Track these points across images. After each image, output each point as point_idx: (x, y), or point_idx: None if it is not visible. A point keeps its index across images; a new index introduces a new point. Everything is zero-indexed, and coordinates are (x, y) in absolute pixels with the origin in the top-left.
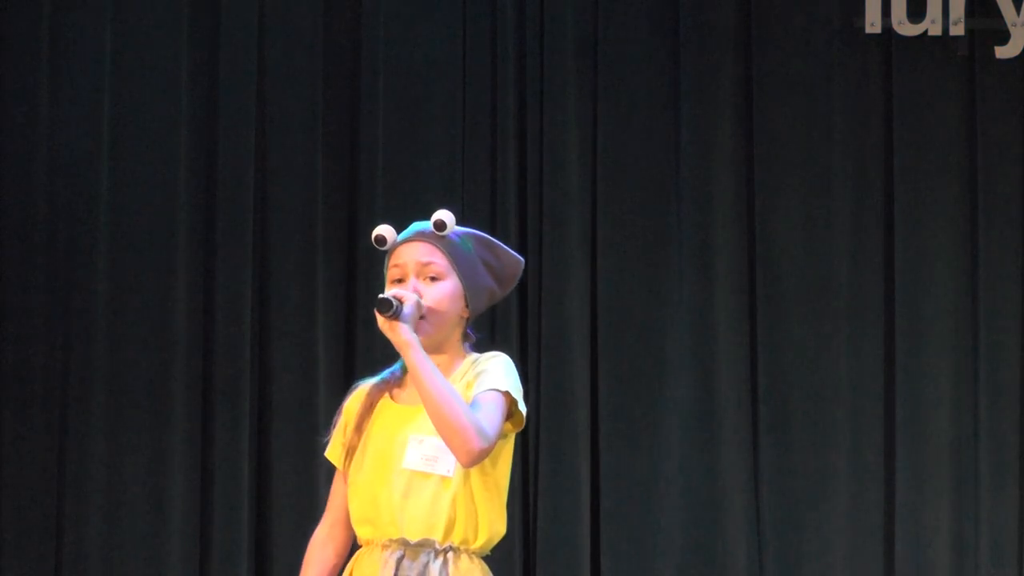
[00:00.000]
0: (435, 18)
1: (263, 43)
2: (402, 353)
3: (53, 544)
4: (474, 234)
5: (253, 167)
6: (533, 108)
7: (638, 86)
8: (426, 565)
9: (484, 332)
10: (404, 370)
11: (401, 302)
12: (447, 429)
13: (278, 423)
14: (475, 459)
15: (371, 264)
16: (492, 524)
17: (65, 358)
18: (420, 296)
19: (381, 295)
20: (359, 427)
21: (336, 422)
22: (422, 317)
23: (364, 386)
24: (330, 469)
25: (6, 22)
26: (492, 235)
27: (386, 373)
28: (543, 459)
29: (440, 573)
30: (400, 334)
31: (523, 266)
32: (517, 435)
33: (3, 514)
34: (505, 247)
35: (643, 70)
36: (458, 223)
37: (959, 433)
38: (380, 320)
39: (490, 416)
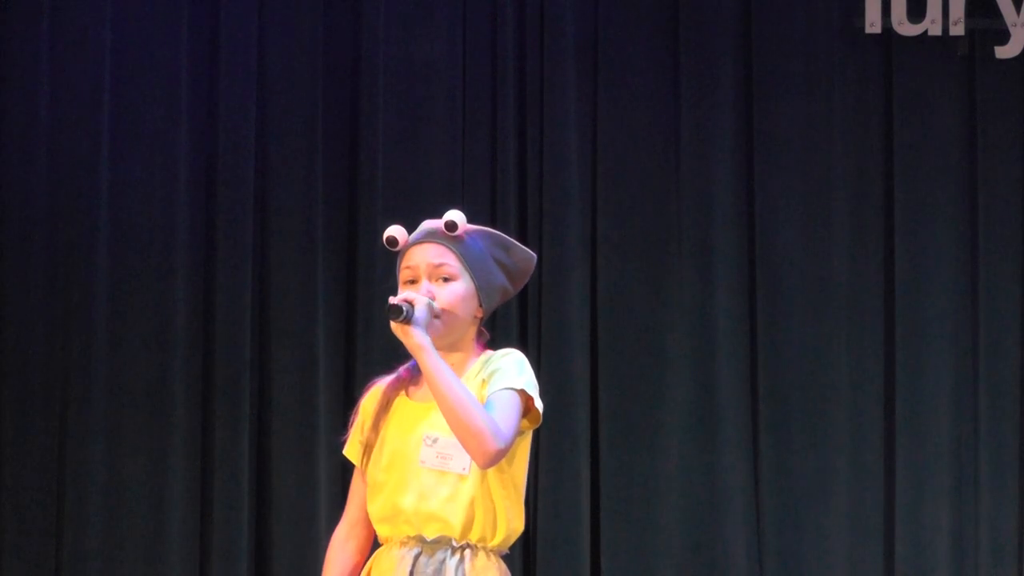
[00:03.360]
0: (435, 18)
1: (263, 43)
2: (415, 356)
3: (53, 544)
4: (486, 232)
5: (253, 167)
6: (533, 108)
7: (638, 86)
8: (442, 562)
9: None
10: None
11: (412, 305)
12: (462, 431)
13: (278, 423)
14: (491, 460)
15: (371, 264)
16: (510, 522)
17: (65, 358)
18: (432, 298)
19: (391, 301)
20: (376, 425)
21: (353, 421)
22: (436, 317)
23: (381, 384)
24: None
25: (6, 22)
26: None
27: (401, 370)
28: (543, 459)
29: (456, 570)
30: (413, 338)
31: (535, 261)
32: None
33: (3, 514)
34: (517, 243)
35: (643, 70)
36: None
37: (959, 433)
38: (393, 324)
39: (505, 415)
